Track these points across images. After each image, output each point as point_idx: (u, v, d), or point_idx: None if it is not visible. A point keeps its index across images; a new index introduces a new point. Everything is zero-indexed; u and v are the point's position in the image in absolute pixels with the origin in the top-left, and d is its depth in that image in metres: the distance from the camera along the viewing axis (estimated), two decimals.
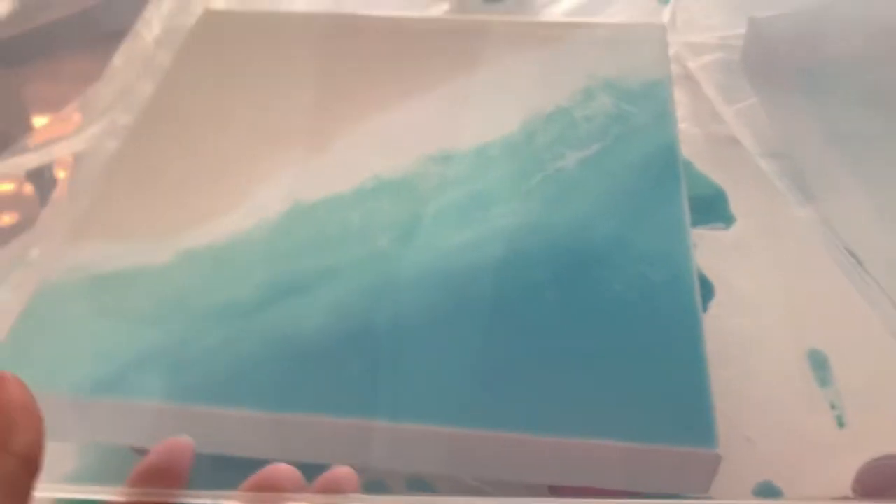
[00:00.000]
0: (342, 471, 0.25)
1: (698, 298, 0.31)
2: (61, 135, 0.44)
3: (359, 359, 0.29)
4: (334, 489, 0.24)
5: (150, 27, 0.57)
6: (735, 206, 0.45)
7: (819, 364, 0.37)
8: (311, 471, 0.25)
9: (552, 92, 0.40)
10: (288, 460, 0.29)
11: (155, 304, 0.32)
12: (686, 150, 0.40)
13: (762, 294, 0.40)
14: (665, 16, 0.58)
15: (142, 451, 0.33)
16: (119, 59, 0.54)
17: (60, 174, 0.45)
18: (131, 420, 0.29)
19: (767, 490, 0.32)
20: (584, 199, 0.34)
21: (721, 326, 0.38)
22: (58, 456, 0.35)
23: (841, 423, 0.35)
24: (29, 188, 0.46)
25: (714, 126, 0.48)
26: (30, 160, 0.42)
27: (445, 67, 0.42)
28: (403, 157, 0.37)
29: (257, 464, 0.25)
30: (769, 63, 0.48)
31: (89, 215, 0.36)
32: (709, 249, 0.42)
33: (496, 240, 0.33)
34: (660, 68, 0.41)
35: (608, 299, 0.31)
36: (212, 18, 0.47)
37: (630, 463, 0.28)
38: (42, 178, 0.45)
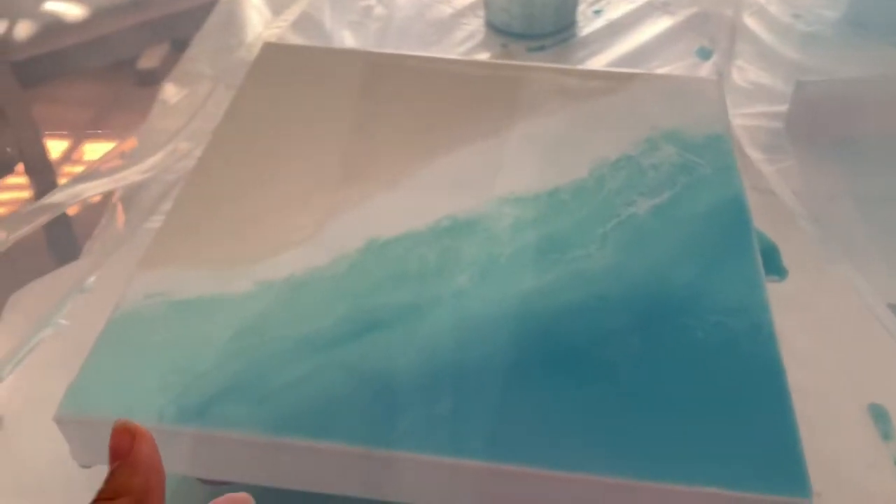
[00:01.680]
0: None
1: (780, 349, 0.31)
2: (120, 164, 0.44)
3: (444, 397, 0.29)
4: None
5: (199, 62, 0.58)
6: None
7: (881, 418, 0.37)
8: None
9: (617, 139, 0.41)
10: (371, 498, 0.29)
11: (237, 334, 0.31)
12: None
13: (819, 347, 0.41)
14: (704, 71, 0.60)
15: (208, 483, 0.32)
16: (170, 91, 0.55)
17: (118, 203, 0.45)
18: (213, 451, 0.29)
19: None
20: (659, 247, 0.35)
21: None
22: None
23: None
24: (86, 216, 0.46)
25: (757, 182, 0.50)
26: (88, 188, 0.42)
27: (508, 111, 0.43)
28: (475, 199, 0.37)
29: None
30: (811, 126, 0.50)
31: (162, 243, 0.36)
32: None
33: (576, 283, 0.33)
34: (720, 122, 0.42)
35: (691, 347, 0.31)
36: (272, 51, 0.48)
37: None
38: (99, 206, 0.45)
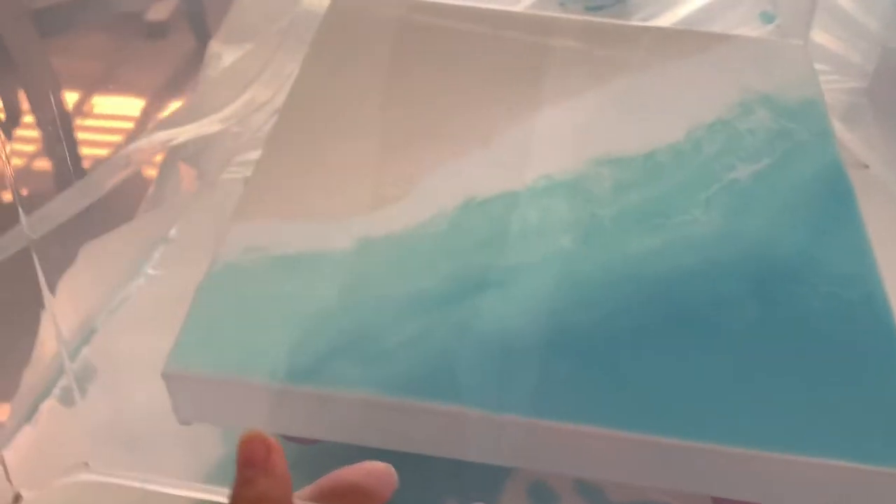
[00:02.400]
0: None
1: None
2: (187, 117, 0.43)
3: (560, 360, 0.29)
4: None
5: (250, 17, 0.56)
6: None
7: None
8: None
9: (709, 102, 0.40)
10: (486, 462, 0.29)
11: (342, 291, 0.31)
12: None
13: None
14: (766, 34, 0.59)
15: (294, 440, 0.32)
16: (219, 47, 0.53)
17: (192, 155, 0.44)
18: (324, 410, 0.29)
19: None
20: (764, 213, 0.34)
21: None
22: (205, 441, 0.34)
23: None
24: (163, 167, 0.45)
25: None
26: (166, 138, 0.40)
27: (594, 69, 0.41)
28: (571, 159, 0.36)
29: None
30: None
31: (254, 195, 0.35)
32: None
33: (684, 247, 0.33)
34: (812, 87, 0.41)
35: (807, 315, 0.30)
36: (346, 0, 0.46)
37: (838, 483, 0.27)
38: (176, 157, 0.44)
